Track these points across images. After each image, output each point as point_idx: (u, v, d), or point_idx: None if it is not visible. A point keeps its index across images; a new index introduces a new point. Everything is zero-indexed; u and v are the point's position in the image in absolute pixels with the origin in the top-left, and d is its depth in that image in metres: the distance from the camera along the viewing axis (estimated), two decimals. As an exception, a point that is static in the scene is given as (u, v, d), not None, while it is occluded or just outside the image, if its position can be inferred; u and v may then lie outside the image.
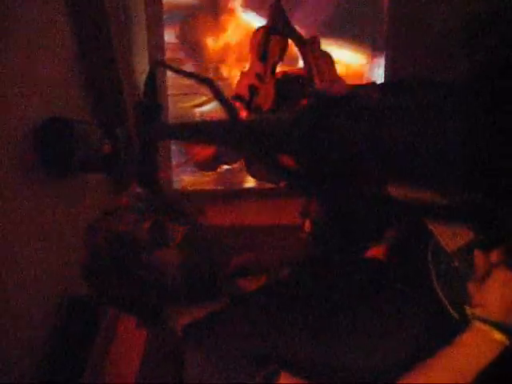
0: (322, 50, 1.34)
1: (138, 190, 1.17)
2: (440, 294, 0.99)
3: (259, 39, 1.34)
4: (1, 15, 0.97)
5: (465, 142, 0.83)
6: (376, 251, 1.23)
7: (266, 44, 1.33)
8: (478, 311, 0.86)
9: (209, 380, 0.90)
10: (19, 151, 1.04)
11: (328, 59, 1.33)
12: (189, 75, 0.92)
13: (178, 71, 0.96)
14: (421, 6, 1.78)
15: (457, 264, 1.00)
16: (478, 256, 0.90)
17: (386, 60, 2.03)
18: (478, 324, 0.85)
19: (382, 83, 1.83)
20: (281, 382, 0.85)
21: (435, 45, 1.74)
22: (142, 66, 1.66)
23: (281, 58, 1.38)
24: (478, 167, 0.83)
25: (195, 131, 1.04)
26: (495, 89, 0.97)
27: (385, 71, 2.04)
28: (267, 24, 1.37)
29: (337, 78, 1.31)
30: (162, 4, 1.81)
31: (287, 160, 1.01)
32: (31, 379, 1.09)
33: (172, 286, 0.97)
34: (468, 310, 0.88)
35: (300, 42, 1.36)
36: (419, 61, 1.77)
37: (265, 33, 1.35)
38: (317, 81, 1.26)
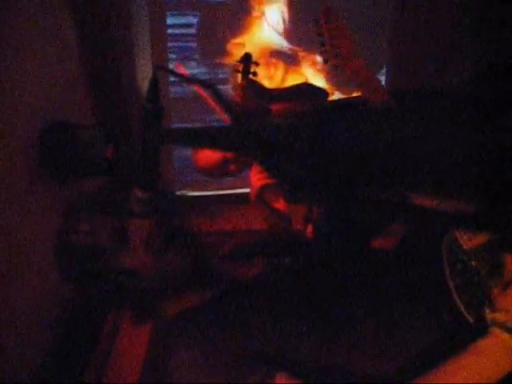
0: (338, 22, 1.21)
1: (139, 193, 1.16)
2: (454, 295, 0.95)
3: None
4: (2, 19, 0.95)
5: (472, 149, 0.81)
6: (384, 243, 1.21)
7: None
8: (499, 316, 0.83)
9: (198, 380, 0.85)
10: (23, 156, 1.03)
11: (344, 32, 1.21)
12: (191, 80, 0.89)
13: (180, 76, 0.94)
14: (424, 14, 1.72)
15: (474, 263, 0.96)
16: (508, 259, 0.87)
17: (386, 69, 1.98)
18: (497, 331, 0.82)
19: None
20: (276, 381, 0.82)
21: (437, 52, 1.70)
22: (145, 71, 1.64)
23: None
24: (489, 174, 0.80)
25: (198, 136, 1.03)
26: (499, 94, 0.94)
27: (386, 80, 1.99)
28: (240, 104, 1.29)
29: (352, 55, 1.21)
30: (164, 7, 1.79)
31: (289, 165, 0.99)
32: (34, 380, 1.09)
33: (148, 284, 0.94)
34: (489, 315, 0.85)
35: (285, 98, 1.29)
36: (420, 69, 1.73)
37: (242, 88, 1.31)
38: (331, 56, 1.20)
